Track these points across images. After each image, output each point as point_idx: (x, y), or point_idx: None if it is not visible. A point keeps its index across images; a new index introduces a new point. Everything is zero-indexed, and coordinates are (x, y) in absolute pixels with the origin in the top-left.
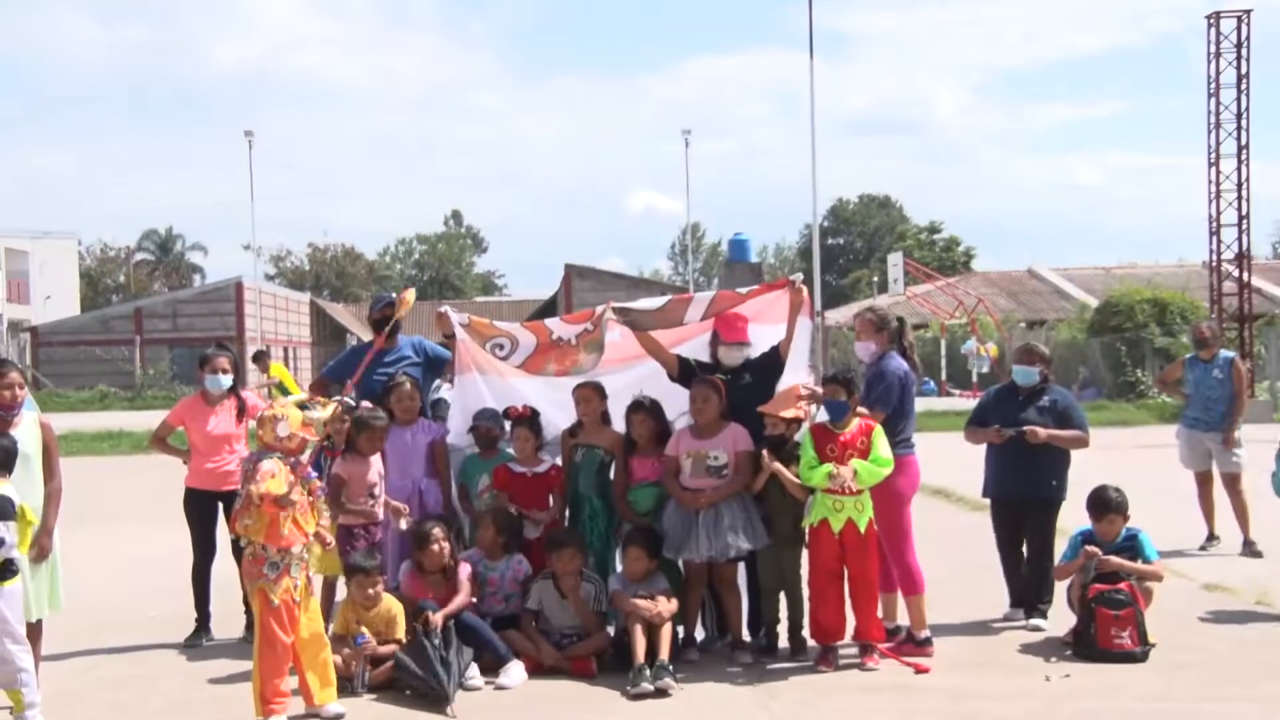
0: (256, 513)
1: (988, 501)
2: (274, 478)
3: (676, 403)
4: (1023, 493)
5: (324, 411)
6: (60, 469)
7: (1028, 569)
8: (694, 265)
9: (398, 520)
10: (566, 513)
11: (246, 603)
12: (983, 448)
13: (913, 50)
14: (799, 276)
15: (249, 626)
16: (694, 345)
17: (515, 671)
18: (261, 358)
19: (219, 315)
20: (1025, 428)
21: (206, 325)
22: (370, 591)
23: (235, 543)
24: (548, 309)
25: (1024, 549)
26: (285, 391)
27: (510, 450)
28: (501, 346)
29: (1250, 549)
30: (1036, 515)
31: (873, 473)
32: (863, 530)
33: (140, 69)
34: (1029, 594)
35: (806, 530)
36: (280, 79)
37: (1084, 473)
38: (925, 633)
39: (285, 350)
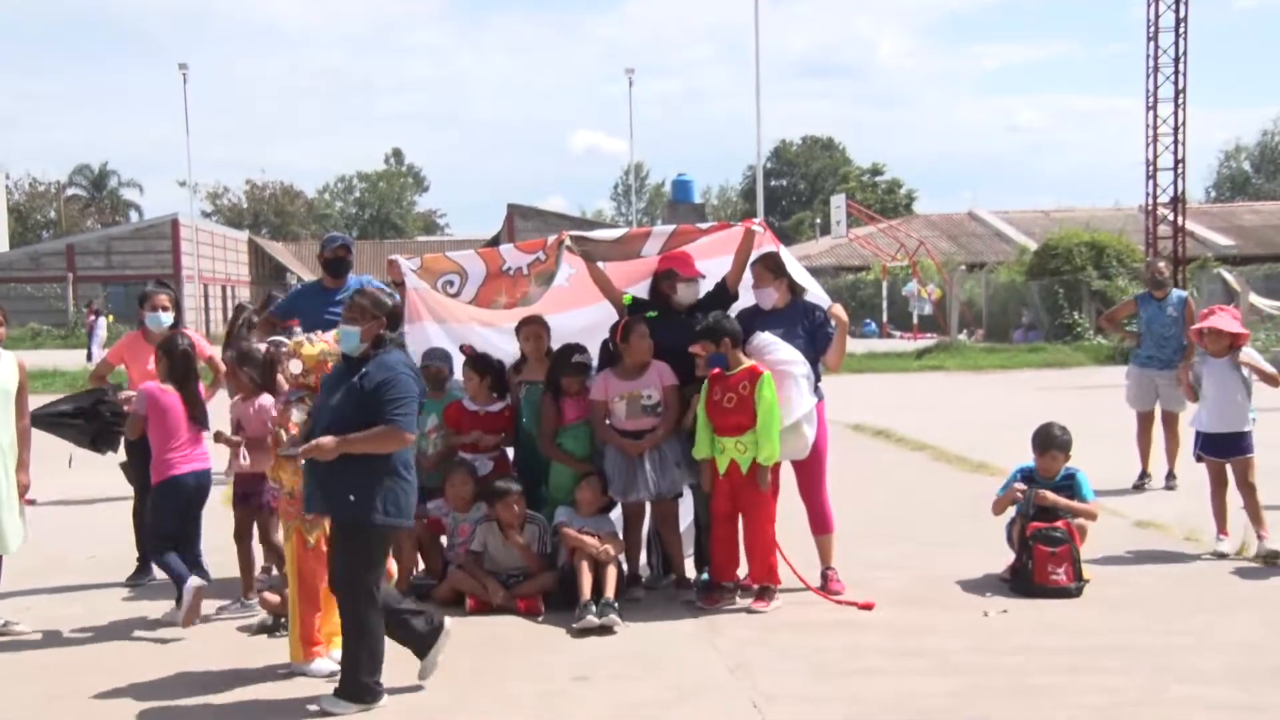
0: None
1: (928, 441)
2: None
3: None
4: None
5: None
6: (27, 407)
7: None
8: (637, 206)
9: None
10: (510, 453)
11: (140, 546)
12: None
13: None
14: (760, 221)
15: (138, 571)
16: (640, 285)
17: None
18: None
19: (154, 253)
20: None
21: (142, 263)
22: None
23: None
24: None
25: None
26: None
27: (459, 392)
28: (451, 283)
29: (1170, 482)
30: None
31: (768, 434)
32: (745, 471)
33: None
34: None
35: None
36: (216, 13)
37: (1022, 413)
38: (831, 567)
39: (224, 289)
